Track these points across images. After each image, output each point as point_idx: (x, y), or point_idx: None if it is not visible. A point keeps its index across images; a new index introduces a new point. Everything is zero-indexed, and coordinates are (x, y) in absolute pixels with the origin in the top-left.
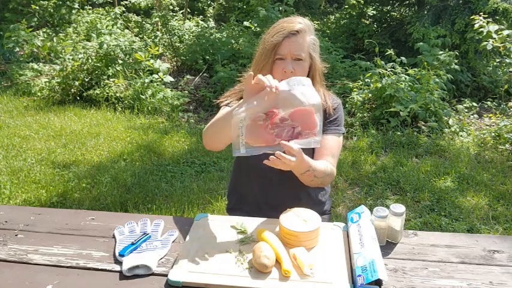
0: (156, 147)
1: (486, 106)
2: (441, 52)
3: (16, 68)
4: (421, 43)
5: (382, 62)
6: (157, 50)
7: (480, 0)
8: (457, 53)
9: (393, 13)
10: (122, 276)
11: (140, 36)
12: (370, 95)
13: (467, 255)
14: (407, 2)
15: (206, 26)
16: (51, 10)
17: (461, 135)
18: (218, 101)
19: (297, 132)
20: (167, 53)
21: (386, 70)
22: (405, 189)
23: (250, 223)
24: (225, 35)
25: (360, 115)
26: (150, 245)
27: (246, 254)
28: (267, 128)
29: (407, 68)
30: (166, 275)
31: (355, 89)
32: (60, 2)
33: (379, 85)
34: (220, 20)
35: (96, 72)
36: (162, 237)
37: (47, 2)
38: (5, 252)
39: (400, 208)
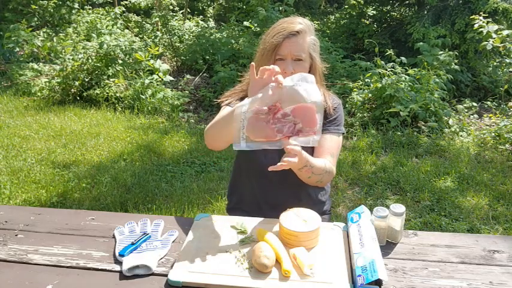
0: (156, 147)
1: (486, 106)
2: (441, 52)
3: (16, 68)
4: (421, 43)
5: (382, 62)
6: (157, 50)
7: (480, 0)
8: (457, 53)
9: (393, 13)
10: (122, 276)
11: (140, 36)
12: (370, 95)
13: (467, 255)
14: (407, 2)
15: (206, 26)
16: (51, 10)
17: (461, 135)
18: (219, 100)
19: (298, 129)
20: (167, 53)
21: (386, 70)
22: (405, 189)
23: (250, 223)
24: (225, 35)
25: (360, 115)
26: (150, 245)
27: (246, 254)
28: (268, 122)
29: (407, 68)
30: (166, 275)
31: (355, 89)
32: (60, 2)
33: (379, 85)
34: (220, 20)
35: (96, 72)
36: (162, 237)
37: (47, 2)
38: (5, 252)
39: (400, 208)
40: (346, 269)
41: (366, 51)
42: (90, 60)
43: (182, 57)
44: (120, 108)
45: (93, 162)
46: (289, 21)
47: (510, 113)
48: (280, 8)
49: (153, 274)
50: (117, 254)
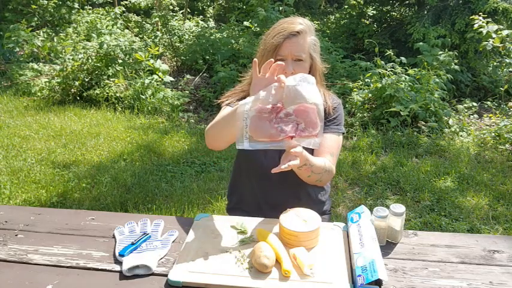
0: (156, 147)
1: (486, 106)
2: (441, 52)
3: (16, 68)
4: (421, 43)
5: (382, 62)
6: (157, 50)
7: (480, 0)
8: (457, 53)
9: (393, 13)
10: (122, 276)
11: (140, 36)
12: (370, 95)
13: (467, 255)
14: (407, 2)
15: (206, 26)
16: (51, 10)
17: (461, 135)
18: (219, 101)
19: (301, 129)
20: (167, 53)
21: (386, 70)
22: (405, 189)
23: (250, 223)
24: (225, 35)
25: (360, 115)
26: (150, 245)
27: (246, 254)
28: (271, 121)
29: (407, 68)
30: (166, 275)
31: (355, 89)
32: (60, 2)
33: (379, 85)
34: (220, 20)
35: (96, 72)
36: (162, 237)
37: (47, 2)
38: (5, 252)
39: (400, 208)
40: (346, 269)
41: (366, 51)
42: (90, 60)
43: (182, 57)
44: (120, 108)
45: (93, 162)
46: (289, 21)
47: (510, 113)
48: (280, 8)
49: (153, 274)
50: (117, 254)
